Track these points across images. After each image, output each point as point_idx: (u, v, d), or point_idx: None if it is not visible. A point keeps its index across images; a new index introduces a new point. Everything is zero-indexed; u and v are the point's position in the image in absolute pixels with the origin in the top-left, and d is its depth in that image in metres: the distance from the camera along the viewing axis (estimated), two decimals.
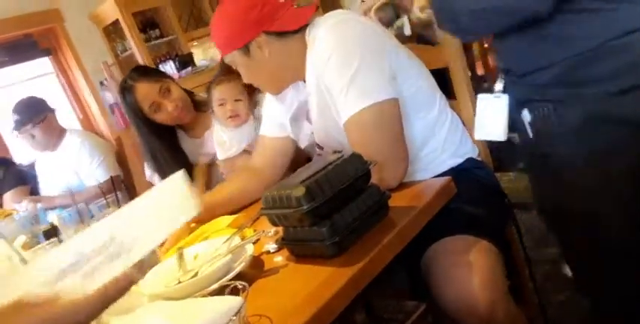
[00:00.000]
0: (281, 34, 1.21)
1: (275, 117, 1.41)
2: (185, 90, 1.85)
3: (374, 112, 1.09)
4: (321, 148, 1.36)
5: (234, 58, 1.26)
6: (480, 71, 2.99)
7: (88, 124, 4.37)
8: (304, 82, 1.27)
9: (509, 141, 3.25)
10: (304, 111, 1.32)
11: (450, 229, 1.09)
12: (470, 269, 1.00)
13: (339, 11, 1.24)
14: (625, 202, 0.94)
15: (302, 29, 1.22)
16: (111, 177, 1.72)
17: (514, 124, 1.06)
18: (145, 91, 1.74)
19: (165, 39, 4.43)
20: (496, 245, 1.11)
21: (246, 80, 1.31)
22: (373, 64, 1.12)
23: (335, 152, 1.30)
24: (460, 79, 1.36)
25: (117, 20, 4.21)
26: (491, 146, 1.41)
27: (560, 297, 1.83)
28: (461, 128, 1.30)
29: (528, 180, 1.13)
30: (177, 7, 4.70)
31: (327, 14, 1.23)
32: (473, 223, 1.12)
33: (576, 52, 0.89)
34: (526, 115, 1.00)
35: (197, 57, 4.74)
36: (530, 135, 1.01)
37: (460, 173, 1.20)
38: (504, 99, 1.05)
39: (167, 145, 1.81)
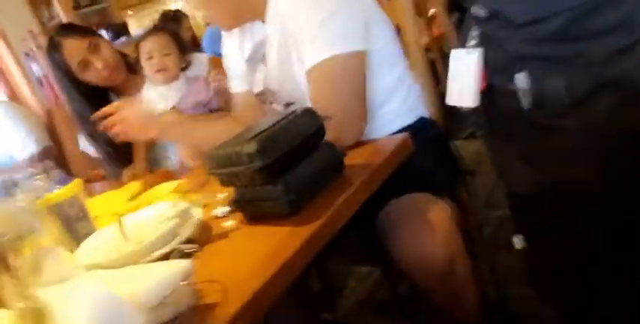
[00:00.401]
0: None
1: (239, 70, 1.33)
2: (118, 51, 1.74)
3: (340, 63, 1.04)
4: (273, 95, 1.28)
5: None
6: (423, 40, 2.99)
7: (15, 100, 4.09)
8: (262, 22, 1.19)
9: (452, 109, 3.29)
10: (260, 53, 1.24)
11: (404, 188, 1.08)
12: (428, 226, 0.99)
13: None
14: (625, 190, 0.84)
15: None
16: (43, 149, 1.60)
17: (493, 87, 0.91)
18: (73, 46, 1.63)
19: (96, 7, 4.21)
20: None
21: (198, 6, 1.22)
22: (348, 9, 1.05)
23: (287, 104, 1.25)
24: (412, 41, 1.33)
25: None
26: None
27: (505, 258, 1.88)
28: (417, 92, 1.28)
29: (495, 161, 1.05)
30: None
31: None
32: (427, 181, 1.11)
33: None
34: (521, 79, 0.84)
35: (132, 26, 4.53)
36: (525, 104, 0.84)
37: (414, 132, 1.17)
38: (476, 54, 0.90)
39: (98, 108, 1.69)
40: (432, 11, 3.03)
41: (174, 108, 1.56)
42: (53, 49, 1.65)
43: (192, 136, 1.34)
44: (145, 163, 1.69)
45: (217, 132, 1.28)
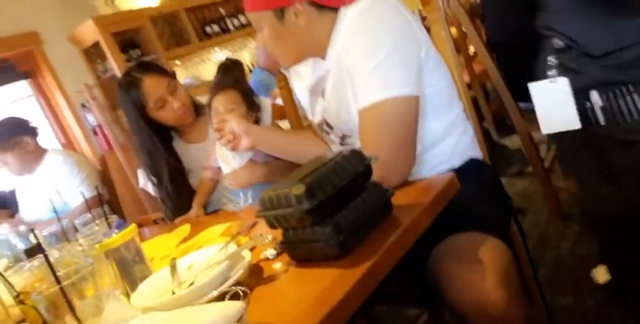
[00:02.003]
0: (321, 6, 1.15)
1: (306, 103, 1.39)
2: (189, 94, 1.78)
3: (392, 106, 1.05)
4: (330, 127, 1.32)
5: (262, 19, 1.17)
6: (466, 78, 3.00)
7: (70, 148, 4.29)
8: (322, 59, 1.22)
9: (499, 146, 3.25)
10: (321, 87, 1.28)
11: (456, 227, 1.06)
12: (482, 267, 0.96)
13: None
14: None
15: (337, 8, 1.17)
16: (98, 192, 1.65)
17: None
18: (153, 84, 1.66)
19: (146, 58, 4.40)
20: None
21: (263, 44, 1.24)
22: (403, 55, 1.08)
23: (343, 137, 1.28)
24: (454, 78, 1.34)
25: (97, 41, 4.17)
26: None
27: (564, 301, 1.80)
28: (471, 134, 1.28)
29: (578, 181, 1.06)
30: (158, 27, 4.69)
31: None
32: (479, 221, 1.09)
33: None
34: (596, 99, 0.95)
35: (180, 75, 4.72)
36: (602, 121, 0.94)
37: (464, 172, 1.17)
38: (564, 82, 0.97)
39: (164, 146, 1.74)
40: (472, 49, 3.07)
41: (251, 161, 1.54)
42: (131, 84, 1.66)
43: (281, 144, 1.41)
44: (201, 210, 1.71)
45: (303, 142, 1.39)
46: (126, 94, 1.68)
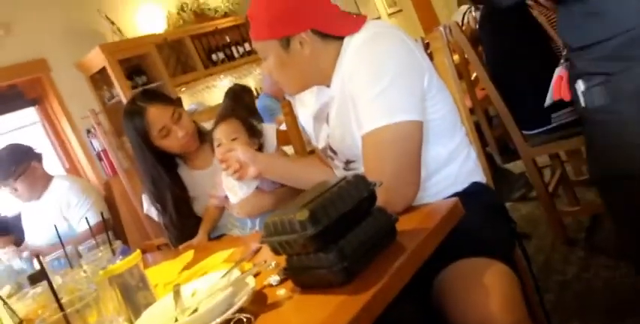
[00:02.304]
0: (326, 36, 1.17)
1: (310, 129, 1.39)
2: (193, 121, 1.79)
3: (396, 131, 1.06)
4: (334, 152, 1.33)
5: (267, 48, 1.19)
6: (468, 103, 3.02)
7: (75, 173, 4.31)
8: (327, 86, 1.24)
9: (503, 170, 3.24)
10: (325, 113, 1.29)
11: (460, 252, 1.06)
12: (488, 292, 0.95)
13: (380, 23, 1.20)
14: None
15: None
16: (102, 217, 1.65)
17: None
18: (157, 114, 1.66)
19: (152, 85, 4.45)
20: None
21: (268, 72, 1.25)
22: (406, 82, 1.09)
23: (347, 162, 1.28)
24: (457, 104, 1.35)
25: (103, 68, 4.24)
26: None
27: None
28: (474, 158, 1.28)
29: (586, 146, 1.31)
30: (164, 54, 4.76)
31: (367, 24, 1.19)
32: (483, 245, 1.09)
33: (624, 29, 1.04)
34: (580, 86, 1.17)
35: (186, 102, 4.77)
36: (583, 104, 1.17)
37: (467, 196, 1.16)
38: (561, 67, 1.28)
39: (169, 172, 1.74)
40: (474, 75, 3.10)
41: (258, 189, 1.54)
42: (136, 113, 1.67)
43: (287, 171, 1.41)
44: (206, 237, 1.70)
45: (308, 168, 1.41)
46: (130, 123, 1.69)
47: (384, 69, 1.08)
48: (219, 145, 1.53)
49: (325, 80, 1.23)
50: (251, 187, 1.51)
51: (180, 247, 1.66)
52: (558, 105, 2.08)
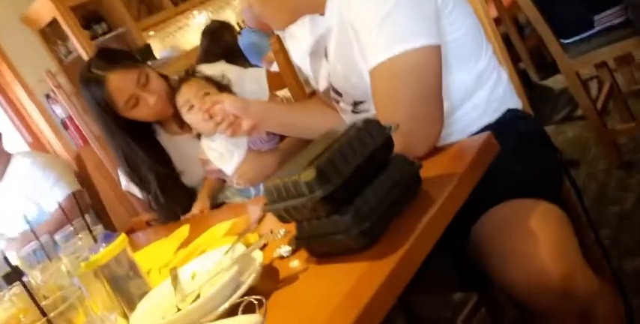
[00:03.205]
0: None
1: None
2: (163, 77, 1.73)
3: (408, 60, 1.03)
4: (339, 94, 1.30)
5: None
6: (492, 12, 2.93)
7: (39, 146, 4.32)
8: (321, 15, 1.21)
9: (541, 88, 3.27)
10: (322, 47, 1.26)
11: (498, 196, 1.05)
12: (534, 238, 0.96)
13: None
14: None
15: None
16: (73, 194, 1.63)
17: None
18: (120, 82, 1.60)
19: (114, 33, 4.39)
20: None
21: (248, 3, 1.23)
22: (414, 1, 1.05)
23: (355, 103, 1.26)
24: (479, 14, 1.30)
25: (54, 19, 4.17)
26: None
27: (634, 264, 1.79)
28: (505, 80, 1.25)
29: None
30: None
31: None
32: (525, 184, 1.08)
33: None
34: None
35: (156, 48, 4.70)
36: None
37: (501, 127, 1.15)
38: None
39: (145, 147, 1.70)
40: None
41: (250, 150, 1.52)
42: (94, 84, 1.61)
43: (287, 119, 1.41)
44: (207, 202, 1.69)
45: (311, 113, 1.40)
46: (89, 94, 1.63)
47: None
48: (190, 108, 1.49)
49: (318, 7, 1.19)
50: (241, 146, 1.50)
51: (182, 218, 1.65)
52: (601, 5, 2.02)
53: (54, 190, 2.34)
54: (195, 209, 1.67)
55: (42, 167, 2.40)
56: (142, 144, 1.70)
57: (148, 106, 1.63)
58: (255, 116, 1.33)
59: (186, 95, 1.49)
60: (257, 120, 1.33)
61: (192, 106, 1.48)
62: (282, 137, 1.57)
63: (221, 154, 1.51)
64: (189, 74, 1.54)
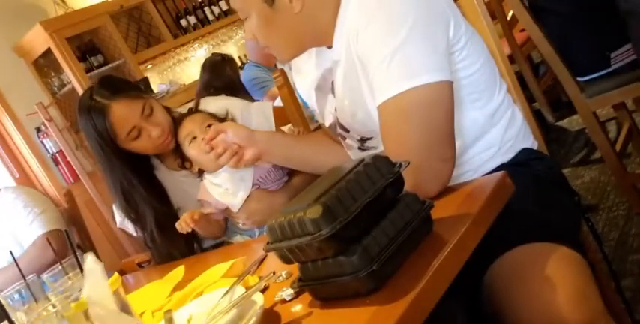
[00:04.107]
0: None
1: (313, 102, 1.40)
2: (166, 109, 1.74)
3: (418, 96, 1.05)
4: (345, 130, 1.32)
5: (247, 4, 1.20)
6: (505, 50, 2.98)
7: (26, 182, 4.32)
8: (328, 48, 1.23)
9: (557, 129, 3.27)
10: (329, 81, 1.29)
11: (513, 239, 1.05)
12: (552, 285, 0.95)
13: None
14: None
15: None
16: (65, 232, 1.63)
17: None
18: (124, 112, 1.60)
19: (111, 65, 4.45)
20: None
21: (251, 35, 1.25)
22: (426, 34, 1.08)
23: (362, 140, 1.27)
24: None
25: (48, 50, 4.23)
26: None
27: None
28: (520, 120, 1.27)
29: None
30: (121, 25, 4.74)
31: None
32: (541, 228, 1.08)
33: None
34: None
35: (154, 81, 4.76)
36: None
37: (516, 168, 1.16)
38: None
39: (144, 182, 1.71)
40: (510, 13, 3.06)
41: (257, 186, 1.51)
42: (96, 112, 1.61)
43: (294, 151, 1.42)
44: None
45: (318, 147, 1.41)
46: (89, 124, 1.63)
47: (396, 21, 1.07)
48: (193, 139, 1.50)
49: (325, 41, 1.22)
50: (248, 180, 1.50)
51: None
52: (617, 41, 2.06)
53: (33, 226, 2.35)
54: (187, 216, 1.63)
55: (24, 203, 2.42)
56: (141, 178, 1.70)
57: (150, 139, 1.63)
58: (259, 145, 1.35)
59: (189, 128, 1.52)
60: (261, 149, 1.35)
61: (194, 138, 1.50)
62: (290, 176, 1.58)
63: (226, 190, 1.51)
64: (193, 110, 1.57)
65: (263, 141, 1.37)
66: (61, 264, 1.22)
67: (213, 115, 1.57)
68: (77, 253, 1.50)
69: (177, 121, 1.58)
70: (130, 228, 1.79)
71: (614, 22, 1.96)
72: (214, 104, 1.68)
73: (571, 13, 2.07)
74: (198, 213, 1.54)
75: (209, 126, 1.49)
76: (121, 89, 1.65)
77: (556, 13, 2.12)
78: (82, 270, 1.02)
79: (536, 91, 3.36)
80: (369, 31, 1.10)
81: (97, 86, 1.67)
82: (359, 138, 1.29)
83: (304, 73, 1.35)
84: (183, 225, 1.52)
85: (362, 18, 1.11)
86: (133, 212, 1.71)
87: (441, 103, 1.07)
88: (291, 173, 1.58)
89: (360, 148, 1.31)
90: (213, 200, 1.57)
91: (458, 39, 1.13)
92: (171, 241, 1.67)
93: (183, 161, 1.57)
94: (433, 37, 1.08)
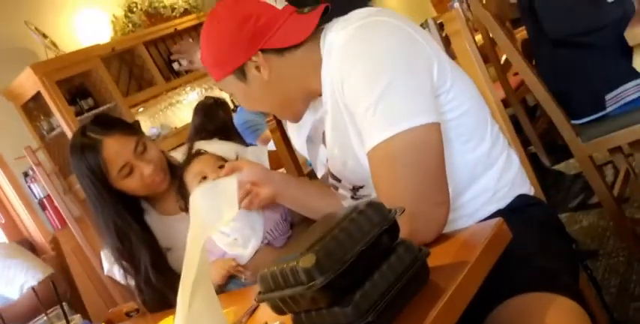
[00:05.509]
0: (281, 49, 1.21)
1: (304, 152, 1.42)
2: (161, 151, 1.76)
3: (406, 141, 1.06)
4: (337, 179, 1.32)
5: (227, 85, 1.27)
6: (499, 93, 3.02)
7: (12, 229, 4.28)
8: (320, 96, 1.25)
9: (553, 173, 3.27)
10: (320, 132, 1.30)
11: (511, 288, 1.04)
12: None
13: (365, 11, 1.20)
14: None
15: (312, 37, 1.21)
16: (53, 285, 1.61)
17: None
18: (117, 148, 1.60)
19: (101, 108, 4.48)
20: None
21: (249, 108, 1.33)
22: (409, 79, 1.09)
23: (355, 189, 1.27)
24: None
25: (38, 93, 4.27)
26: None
27: None
28: (516, 163, 1.28)
29: None
30: (112, 68, 4.79)
31: (351, 13, 1.21)
32: (539, 277, 1.07)
33: None
34: None
35: (145, 125, 4.78)
36: None
37: (512, 214, 1.16)
38: None
39: (136, 222, 1.69)
40: (503, 58, 3.11)
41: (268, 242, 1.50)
42: (88, 148, 1.61)
43: (309, 194, 1.42)
44: None
45: (325, 190, 1.40)
46: (81, 161, 1.63)
47: (378, 68, 1.09)
48: (203, 179, 1.49)
49: (317, 92, 1.25)
50: (259, 230, 1.47)
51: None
52: (613, 82, 2.09)
53: (15, 280, 2.32)
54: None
55: (2, 258, 2.39)
56: (134, 217, 1.69)
57: (142, 177, 1.64)
58: (275, 184, 1.36)
59: (199, 167, 1.51)
60: (277, 189, 1.36)
61: (204, 178, 1.49)
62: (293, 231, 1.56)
63: (235, 240, 1.49)
64: (198, 153, 1.57)
65: (279, 180, 1.38)
66: (46, 314, 1.20)
67: (222, 158, 1.56)
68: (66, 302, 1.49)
69: (182, 163, 1.57)
70: (117, 275, 1.76)
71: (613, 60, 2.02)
72: (208, 148, 1.69)
73: (597, 44, 2.10)
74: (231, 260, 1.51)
75: (221, 167, 1.49)
76: (115, 125, 1.67)
77: (577, 44, 2.15)
78: (67, 322, 1.01)
79: (532, 134, 3.39)
80: (352, 80, 1.12)
81: (89, 124, 1.68)
82: (351, 187, 1.30)
83: (298, 126, 1.36)
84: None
85: (345, 67, 1.13)
86: (126, 253, 1.68)
87: (430, 145, 1.07)
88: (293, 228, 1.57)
89: (352, 197, 1.32)
90: (218, 250, 1.53)
91: (444, 81, 1.15)
92: (168, 282, 1.64)
93: (185, 203, 1.55)
94: (416, 81, 1.10)
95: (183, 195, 1.54)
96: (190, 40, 5.16)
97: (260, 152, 1.78)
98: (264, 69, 1.20)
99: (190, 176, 1.52)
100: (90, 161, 1.61)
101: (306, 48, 1.21)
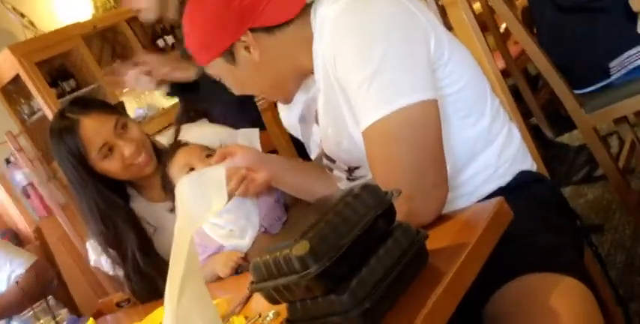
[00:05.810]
0: (271, 28, 1.19)
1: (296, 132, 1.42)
2: (147, 134, 1.75)
3: (402, 119, 1.05)
4: (331, 160, 1.32)
5: (216, 69, 1.26)
6: (499, 64, 2.99)
7: None
8: (312, 73, 1.24)
9: (557, 146, 3.28)
10: (313, 111, 1.30)
11: (513, 269, 1.05)
12: (557, 317, 0.95)
13: None
14: None
15: (302, 13, 1.20)
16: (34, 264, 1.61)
17: None
18: (95, 127, 1.60)
19: (84, 90, 4.46)
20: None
21: (239, 92, 1.31)
22: (405, 52, 1.08)
23: (350, 169, 1.26)
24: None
25: (17, 76, 4.24)
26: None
27: None
28: (517, 138, 1.27)
29: None
30: (94, 47, 4.75)
31: None
32: (542, 256, 1.08)
33: None
34: None
35: (130, 106, 4.75)
36: None
37: (514, 192, 1.16)
38: None
39: (122, 208, 1.69)
40: (503, 26, 3.08)
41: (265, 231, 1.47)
42: (66, 129, 1.62)
43: (307, 177, 1.41)
44: None
45: (323, 176, 1.39)
46: (60, 144, 1.64)
47: (371, 40, 1.08)
48: (191, 170, 1.47)
49: (309, 70, 1.24)
50: (255, 220, 1.44)
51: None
52: (616, 49, 2.08)
53: (2, 271, 2.33)
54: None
55: None
56: (118, 203, 1.68)
57: (122, 157, 1.63)
58: (272, 167, 1.35)
59: (185, 158, 1.49)
60: (273, 172, 1.34)
61: (192, 169, 1.47)
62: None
63: (231, 231, 1.48)
64: (179, 144, 1.55)
65: (275, 163, 1.38)
66: (32, 309, 1.20)
67: (207, 147, 1.54)
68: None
69: (167, 151, 1.56)
70: (104, 266, 1.77)
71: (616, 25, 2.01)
72: (198, 131, 1.68)
73: (608, 8, 2.08)
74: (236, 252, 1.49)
75: (209, 156, 1.47)
76: (92, 105, 1.67)
77: (588, 9, 2.13)
78: (54, 317, 1.01)
79: (534, 105, 3.37)
80: (344, 54, 1.10)
81: (67, 105, 1.69)
82: (346, 168, 1.29)
83: (291, 104, 1.35)
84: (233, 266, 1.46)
85: (336, 41, 1.12)
86: (112, 237, 1.68)
87: (427, 123, 1.07)
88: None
89: (348, 179, 1.31)
90: (214, 244, 1.51)
91: (441, 54, 1.14)
92: (156, 267, 1.64)
93: (172, 198, 1.54)
94: (412, 54, 1.09)
95: (170, 190, 1.50)
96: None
97: (251, 134, 1.76)
98: (255, 49, 1.19)
99: (176, 169, 1.50)
100: (69, 143, 1.62)
101: (296, 25, 1.20)
